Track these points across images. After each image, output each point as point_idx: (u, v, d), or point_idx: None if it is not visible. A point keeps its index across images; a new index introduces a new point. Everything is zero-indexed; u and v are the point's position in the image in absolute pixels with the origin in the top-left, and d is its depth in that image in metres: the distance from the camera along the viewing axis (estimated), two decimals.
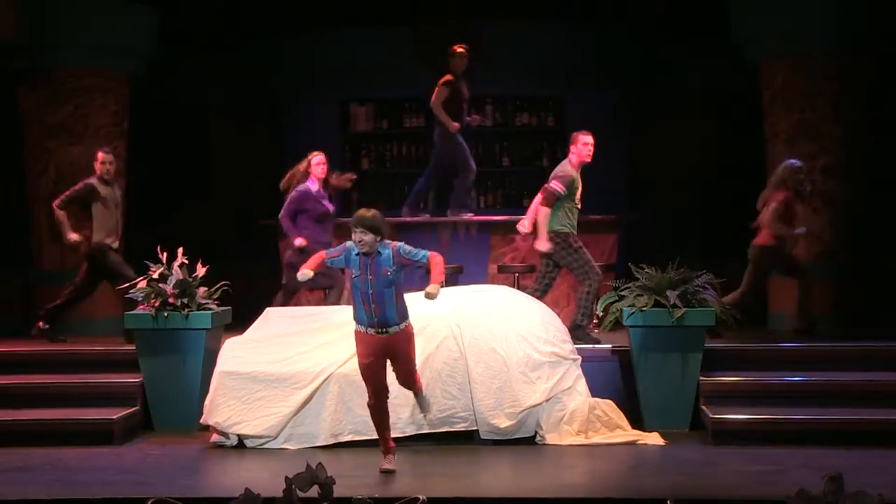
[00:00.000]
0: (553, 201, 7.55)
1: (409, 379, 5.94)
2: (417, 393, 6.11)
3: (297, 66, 10.39)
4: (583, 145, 7.69)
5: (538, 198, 7.65)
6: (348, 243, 5.72)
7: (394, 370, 5.85)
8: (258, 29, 10.51)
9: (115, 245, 8.04)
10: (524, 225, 7.81)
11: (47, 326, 8.00)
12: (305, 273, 5.58)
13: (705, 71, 10.34)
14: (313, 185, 8.02)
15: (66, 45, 8.88)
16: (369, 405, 5.82)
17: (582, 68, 9.65)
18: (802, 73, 8.44)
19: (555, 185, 7.59)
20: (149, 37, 9.31)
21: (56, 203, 7.93)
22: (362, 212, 5.68)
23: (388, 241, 5.69)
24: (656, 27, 10.31)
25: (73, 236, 7.90)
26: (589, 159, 7.75)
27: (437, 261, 5.67)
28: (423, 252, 5.69)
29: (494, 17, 9.96)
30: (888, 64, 8.54)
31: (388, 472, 5.73)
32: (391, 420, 6.44)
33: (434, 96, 9.01)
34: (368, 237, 5.58)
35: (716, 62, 10.12)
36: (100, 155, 7.99)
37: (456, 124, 8.95)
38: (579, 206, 7.71)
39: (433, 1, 9.91)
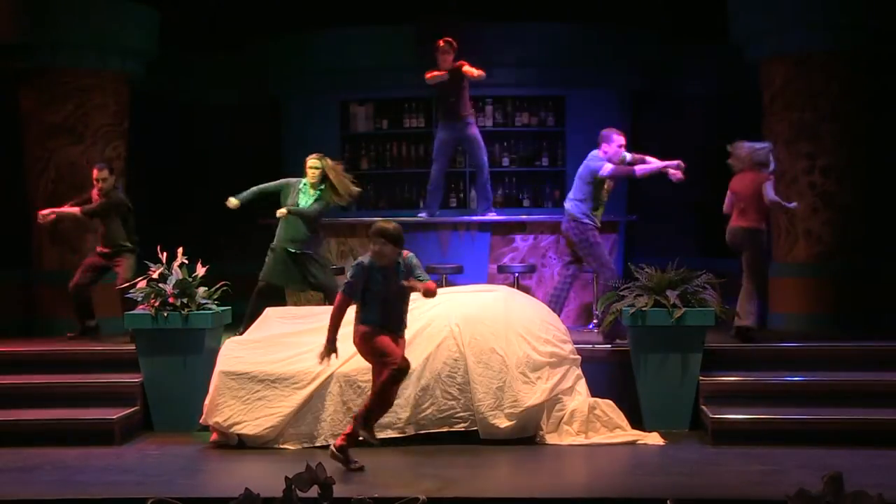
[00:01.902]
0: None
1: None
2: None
3: (297, 67, 10.40)
4: (619, 147, 7.69)
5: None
6: (362, 260, 5.78)
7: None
8: (258, 29, 10.53)
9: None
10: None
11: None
12: None
13: (706, 71, 10.36)
14: None
15: (66, 46, 8.89)
16: (391, 389, 5.83)
17: (582, 68, 9.65)
18: (802, 73, 8.45)
19: (612, 170, 7.64)
20: (149, 37, 9.32)
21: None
22: (383, 224, 5.80)
23: (401, 252, 5.83)
24: (657, 27, 10.33)
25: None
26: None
27: (432, 285, 5.84)
28: (426, 276, 5.89)
29: (494, 17, 9.97)
30: (887, 64, 8.55)
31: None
32: (391, 419, 6.48)
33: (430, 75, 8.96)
34: (388, 248, 5.73)
35: (716, 62, 10.14)
36: (94, 172, 8.05)
37: (440, 73, 8.83)
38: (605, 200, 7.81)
39: (433, 1, 9.93)
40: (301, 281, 7.95)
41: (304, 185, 7.85)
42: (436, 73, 8.90)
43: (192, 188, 10.64)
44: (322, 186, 7.80)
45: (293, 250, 7.82)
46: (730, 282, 7.65)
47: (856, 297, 8.35)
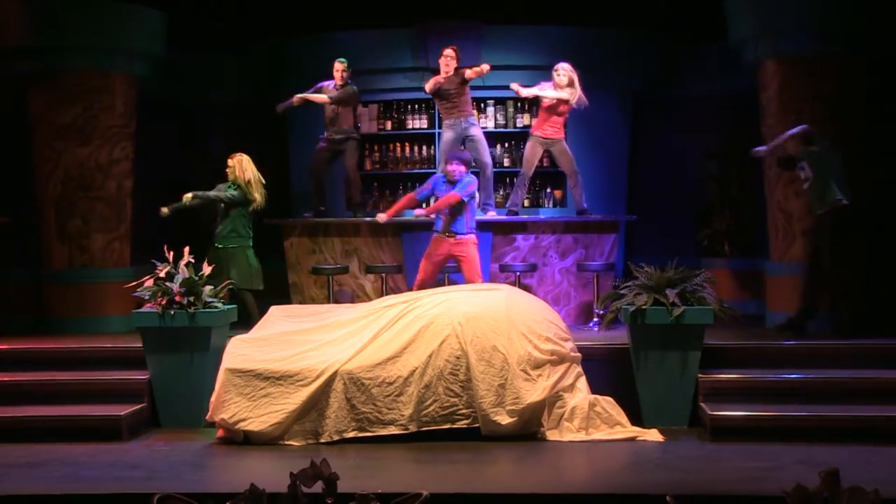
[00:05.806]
0: None
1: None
2: None
3: (302, 68, 10.46)
4: None
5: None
6: None
7: None
8: (263, 31, 10.60)
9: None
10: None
11: None
12: None
13: (706, 72, 10.39)
14: None
15: (75, 48, 8.96)
16: None
17: (582, 70, 9.68)
18: (799, 75, 8.46)
19: None
20: (156, 39, 9.39)
21: None
22: None
23: None
24: (657, 29, 10.38)
25: None
26: None
27: None
28: None
29: (496, 19, 10.03)
30: (884, 66, 8.59)
31: None
32: (394, 416, 6.56)
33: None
34: None
35: (716, 64, 10.18)
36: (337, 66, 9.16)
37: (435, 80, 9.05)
38: None
39: (436, 3, 10.00)
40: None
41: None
42: (431, 81, 9.04)
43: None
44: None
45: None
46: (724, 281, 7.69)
47: (853, 295, 8.39)
